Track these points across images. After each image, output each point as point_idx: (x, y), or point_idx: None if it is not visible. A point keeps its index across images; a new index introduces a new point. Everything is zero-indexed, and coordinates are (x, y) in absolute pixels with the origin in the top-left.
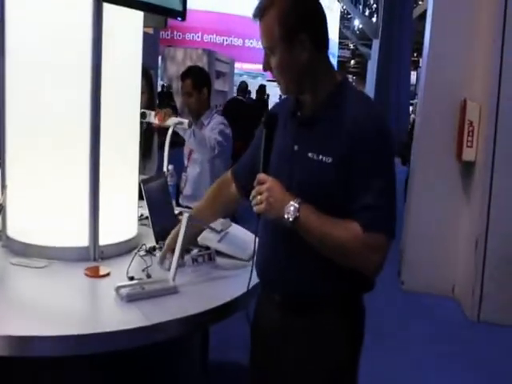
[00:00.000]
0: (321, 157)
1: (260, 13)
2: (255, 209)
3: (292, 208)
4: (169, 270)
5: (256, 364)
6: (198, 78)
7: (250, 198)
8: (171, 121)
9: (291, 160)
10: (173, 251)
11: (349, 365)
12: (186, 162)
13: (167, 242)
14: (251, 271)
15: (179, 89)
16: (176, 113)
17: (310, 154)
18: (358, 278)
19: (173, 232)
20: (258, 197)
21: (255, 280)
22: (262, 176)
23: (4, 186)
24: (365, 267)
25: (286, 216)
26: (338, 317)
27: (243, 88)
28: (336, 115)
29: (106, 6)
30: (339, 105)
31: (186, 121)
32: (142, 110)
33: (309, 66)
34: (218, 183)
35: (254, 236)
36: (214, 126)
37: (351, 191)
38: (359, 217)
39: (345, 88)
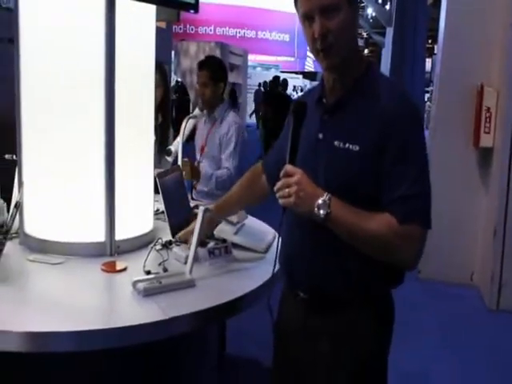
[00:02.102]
0: (348, 145)
1: None
2: (282, 202)
3: (323, 203)
4: (185, 263)
5: (279, 361)
6: (216, 71)
7: (275, 189)
8: (189, 125)
9: (316, 149)
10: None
11: (377, 360)
12: (198, 157)
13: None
14: (275, 258)
15: (193, 82)
16: (189, 106)
17: (336, 143)
18: (385, 269)
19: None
20: (286, 190)
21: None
22: (289, 168)
23: (21, 184)
24: (401, 260)
25: (316, 212)
26: (365, 310)
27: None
28: (365, 101)
29: (119, 1)
30: (368, 90)
31: (197, 112)
32: (168, 148)
33: (356, 35)
34: (252, 171)
35: (268, 227)
36: (229, 130)
37: (382, 181)
38: (393, 209)
39: (373, 72)
